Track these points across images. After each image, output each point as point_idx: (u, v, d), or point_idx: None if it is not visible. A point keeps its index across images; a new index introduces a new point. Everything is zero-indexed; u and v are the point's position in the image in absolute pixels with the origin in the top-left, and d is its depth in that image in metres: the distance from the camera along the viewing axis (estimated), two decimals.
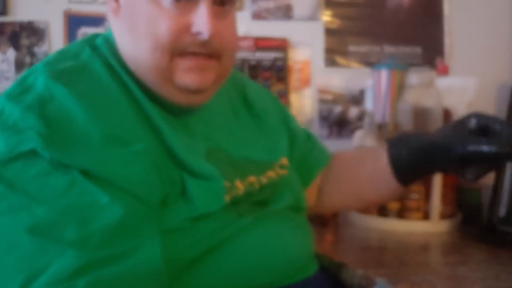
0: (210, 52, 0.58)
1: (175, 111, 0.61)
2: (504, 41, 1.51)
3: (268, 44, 1.39)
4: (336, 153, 0.85)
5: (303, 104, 1.43)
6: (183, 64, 0.57)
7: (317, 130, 1.43)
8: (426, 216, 1.09)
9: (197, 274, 0.54)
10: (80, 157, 0.50)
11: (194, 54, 0.57)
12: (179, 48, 0.56)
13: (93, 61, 0.59)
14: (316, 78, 1.44)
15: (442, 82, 1.11)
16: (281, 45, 1.40)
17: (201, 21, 0.55)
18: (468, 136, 0.61)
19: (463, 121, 0.64)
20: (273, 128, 0.74)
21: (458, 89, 1.15)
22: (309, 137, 0.84)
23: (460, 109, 1.14)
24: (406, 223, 1.09)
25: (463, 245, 0.99)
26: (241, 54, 1.38)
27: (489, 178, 1.09)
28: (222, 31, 0.58)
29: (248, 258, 0.58)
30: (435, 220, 1.08)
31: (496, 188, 1.01)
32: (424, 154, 0.66)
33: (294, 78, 1.41)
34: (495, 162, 0.62)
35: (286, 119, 0.80)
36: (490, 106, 1.44)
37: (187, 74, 0.57)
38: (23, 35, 1.34)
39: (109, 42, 0.62)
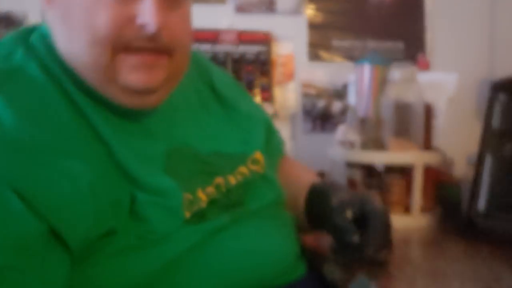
0: (158, 47, 0.50)
1: (130, 114, 0.54)
2: (485, 38, 1.53)
3: (252, 38, 1.38)
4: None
5: (287, 98, 1.42)
6: (127, 61, 0.49)
7: (301, 124, 1.43)
8: (407, 210, 1.10)
9: (169, 284, 0.50)
10: (3, 168, 0.43)
11: (140, 49, 0.50)
12: (122, 43, 0.49)
13: (27, 63, 0.51)
14: (299, 72, 1.44)
15: (424, 77, 1.12)
16: (265, 39, 1.39)
17: (147, 11, 0.48)
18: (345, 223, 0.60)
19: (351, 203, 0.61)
20: (247, 117, 0.67)
21: (439, 84, 1.16)
22: (273, 127, 0.78)
23: (441, 104, 1.15)
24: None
25: (443, 240, 1.01)
26: (224, 48, 1.37)
27: (469, 173, 1.11)
28: (172, 24, 0.51)
29: (224, 265, 0.53)
30: (415, 214, 1.09)
31: (475, 183, 1.02)
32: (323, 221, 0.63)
33: (277, 72, 1.41)
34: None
35: (257, 107, 0.75)
36: (470, 102, 1.46)
37: (132, 73, 0.50)
38: (1, 26, 1.31)
39: (45, 38, 0.53)
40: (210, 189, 0.56)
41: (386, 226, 0.60)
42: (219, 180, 0.57)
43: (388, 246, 0.60)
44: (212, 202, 0.55)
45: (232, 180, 0.58)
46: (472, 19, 1.53)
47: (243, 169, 0.61)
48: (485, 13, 1.53)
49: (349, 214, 0.60)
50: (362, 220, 0.59)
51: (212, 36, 1.37)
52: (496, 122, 1.03)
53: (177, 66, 0.54)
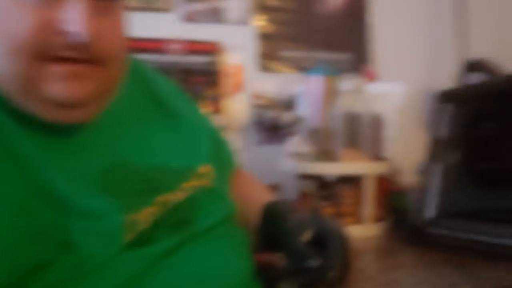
0: (88, 57, 0.45)
1: (59, 130, 0.48)
2: (428, 49, 1.58)
3: (200, 48, 1.34)
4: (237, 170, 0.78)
5: (236, 110, 1.39)
6: (51, 71, 0.44)
7: (250, 136, 1.41)
8: (358, 220, 1.10)
9: None
10: None
11: (66, 59, 0.44)
12: (44, 52, 0.43)
13: None
14: (249, 83, 1.41)
15: (372, 88, 1.13)
16: (213, 49, 1.35)
17: (75, 18, 0.43)
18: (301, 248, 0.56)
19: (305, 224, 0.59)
20: (193, 128, 0.63)
21: (387, 95, 1.18)
22: (222, 139, 0.74)
23: (389, 114, 1.16)
24: None
25: (395, 249, 1.01)
26: (171, 58, 1.32)
27: (418, 182, 1.13)
28: (103, 32, 0.46)
29: None
30: (367, 224, 1.09)
31: (424, 191, 1.04)
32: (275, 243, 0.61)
33: (226, 83, 1.38)
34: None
35: (204, 118, 0.70)
36: (417, 112, 1.49)
37: (57, 83, 0.44)
38: None
39: None
40: (153, 208, 0.51)
41: (345, 248, 0.58)
42: (162, 197, 0.52)
43: (347, 267, 0.57)
44: (156, 223, 0.50)
45: (177, 196, 0.54)
46: (415, 31, 1.58)
47: (188, 184, 0.56)
48: (426, 25, 1.59)
49: (306, 237, 0.57)
50: (319, 242, 0.56)
51: (158, 46, 1.32)
52: (443, 131, 1.05)
53: (110, 77, 0.50)
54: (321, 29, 1.48)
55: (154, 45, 1.31)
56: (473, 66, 1.40)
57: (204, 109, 1.33)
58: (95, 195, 0.47)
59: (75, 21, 0.43)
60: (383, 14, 1.54)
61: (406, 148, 1.27)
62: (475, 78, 1.38)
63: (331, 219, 0.61)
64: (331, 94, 1.11)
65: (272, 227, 0.62)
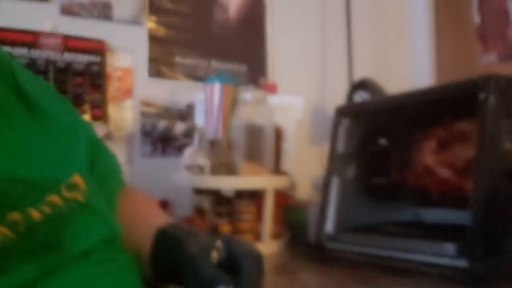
0: None
1: None
2: (322, 66, 1.63)
3: (81, 45, 1.19)
4: (126, 188, 0.68)
5: (123, 117, 1.26)
6: None
7: (139, 147, 1.28)
8: (257, 237, 1.05)
9: None
10: None
11: None
12: None
13: None
14: (138, 88, 1.29)
15: (272, 100, 1.10)
16: (97, 48, 1.21)
17: None
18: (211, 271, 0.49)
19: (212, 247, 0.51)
20: (66, 130, 0.53)
21: (287, 107, 1.16)
22: (105, 150, 0.63)
23: (289, 127, 1.15)
24: None
25: (294, 265, 0.98)
26: (45, 54, 1.14)
27: (315, 197, 1.13)
28: None
29: None
30: (266, 241, 1.04)
31: (323, 206, 1.03)
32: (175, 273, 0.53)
33: (113, 87, 1.24)
34: None
35: (79, 121, 0.59)
36: (317, 125, 1.52)
37: None
38: None
39: None
40: (3, 229, 0.40)
41: (261, 271, 0.50)
42: (14, 215, 0.41)
43: None
44: (9, 248, 0.40)
45: (36, 214, 0.43)
46: (309, 47, 1.62)
47: (53, 198, 0.45)
48: (319, 39, 1.64)
49: (214, 259, 0.49)
50: (230, 266, 0.49)
51: (30, 39, 1.13)
52: (340, 146, 1.05)
53: None
54: (217, 38, 1.42)
55: (25, 38, 1.12)
56: (358, 85, 1.46)
57: (83, 115, 1.17)
58: None
59: None
60: (280, 28, 1.55)
61: (303, 162, 1.26)
62: (360, 96, 1.45)
63: (242, 239, 0.53)
64: (231, 104, 1.05)
65: (169, 255, 0.54)
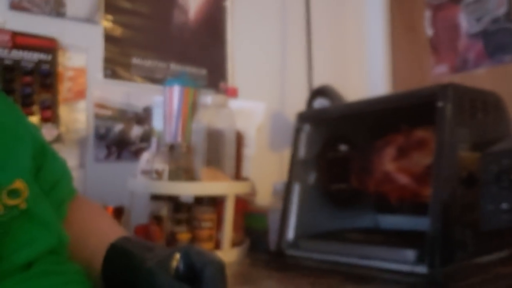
0: None
1: None
2: (282, 72, 1.63)
3: (31, 43, 1.12)
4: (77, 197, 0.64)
5: (76, 120, 1.19)
6: None
7: (92, 151, 1.21)
8: (217, 245, 1.02)
9: None
10: None
11: None
12: None
13: None
14: (92, 89, 1.23)
15: (233, 105, 1.08)
16: (49, 46, 1.14)
17: None
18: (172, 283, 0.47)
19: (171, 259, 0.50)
20: (6, 133, 0.50)
21: (247, 112, 1.15)
22: (54, 155, 0.60)
23: (250, 131, 1.13)
24: None
25: (255, 274, 0.96)
26: None
27: (274, 203, 1.11)
28: None
29: None
30: (226, 249, 1.02)
31: (284, 213, 1.02)
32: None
33: (64, 88, 1.17)
34: None
35: (24, 123, 0.56)
36: (277, 131, 1.51)
37: None
38: None
39: None
40: None
41: (223, 276, 0.49)
42: None
43: None
44: None
45: None
46: (267, 51, 1.62)
47: None
48: (279, 44, 1.64)
49: (173, 272, 0.48)
50: (191, 277, 0.47)
51: None
52: (301, 152, 1.05)
53: None
54: (176, 40, 1.39)
55: None
56: (318, 91, 1.47)
57: (32, 116, 1.10)
58: None
59: None
60: (241, 33, 1.54)
61: (263, 168, 1.25)
62: (319, 103, 1.46)
63: (201, 248, 0.52)
64: (191, 107, 1.03)
65: (124, 272, 0.51)
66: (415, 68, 1.77)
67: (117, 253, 0.53)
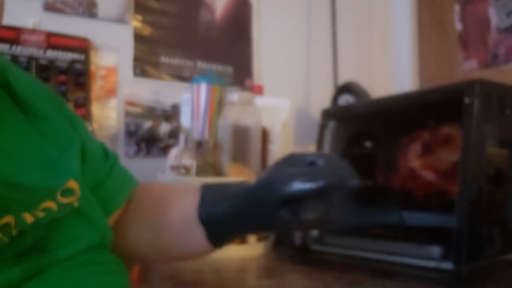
0: None
1: None
2: (311, 67, 1.64)
3: (65, 43, 1.16)
4: (145, 183, 0.66)
5: (107, 117, 1.23)
6: None
7: (123, 147, 1.26)
8: (243, 240, 1.04)
9: None
10: None
11: None
12: None
13: None
14: (123, 88, 1.27)
15: (259, 102, 1.10)
16: (82, 46, 1.18)
17: None
18: (291, 174, 0.50)
19: (284, 160, 0.54)
20: (60, 134, 0.51)
21: (273, 109, 1.17)
22: (106, 153, 0.61)
23: (275, 128, 1.14)
24: (223, 249, 1.02)
25: (281, 268, 0.97)
26: (28, 51, 1.11)
27: None
28: None
29: None
30: (252, 243, 1.04)
31: None
32: (242, 208, 0.53)
33: (97, 86, 1.22)
34: (326, 196, 0.51)
35: (75, 124, 0.56)
36: (302, 127, 1.52)
37: None
38: None
39: None
40: None
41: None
42: (7, 219, 0.40)
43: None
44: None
45: (30, 218, 0.42)
46: (293, 49, 1.63)
47: (49, 204, 0.44)
48: (305, 41, 1.65)
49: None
50: None
51: (12, 35, 1.10)
52: (326, 148, 1.06)
53: None
54: (203, 39, 1.42)
55: (7, 34, 1.09)
56: (343, 88, 1.48)
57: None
58: None
59: None
60: (266, 31, 1.55)
61: None
62: (344, 99, 1.46)
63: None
64: (218, 104, 1.05)
65: (232, 193, 0.54)
66: (443, 64, 1.75)
67: (210, 191, 0.56)
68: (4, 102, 0.47)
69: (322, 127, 1.06)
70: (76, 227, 0.46)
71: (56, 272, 0.42)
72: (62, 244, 0.44)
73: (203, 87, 1.06)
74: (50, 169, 0.46)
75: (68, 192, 0.46)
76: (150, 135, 1.29)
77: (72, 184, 0.47)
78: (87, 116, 1.17)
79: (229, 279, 0.86)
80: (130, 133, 1.27)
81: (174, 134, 1.31)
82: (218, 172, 1.02)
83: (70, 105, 1.15)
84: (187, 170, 1.02)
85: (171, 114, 1.32)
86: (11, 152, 0.44)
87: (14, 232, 0.40)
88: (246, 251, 1.03)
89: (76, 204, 0.47)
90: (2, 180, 0.41)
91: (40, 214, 0.43)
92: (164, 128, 1.31)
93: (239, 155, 1.02)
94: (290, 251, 1.06)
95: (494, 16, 1.56)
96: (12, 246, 0.40)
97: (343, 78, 1.56)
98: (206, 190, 0.57)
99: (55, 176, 0.46)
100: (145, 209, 0.61)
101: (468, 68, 1.64)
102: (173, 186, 0.67)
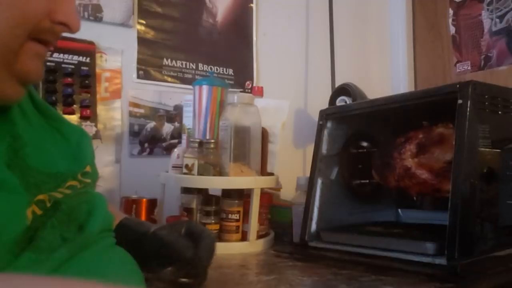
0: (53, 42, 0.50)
1: None
2: (309, 70, 1.67)
3: (71, 46, 1.19)
4: None
5: (112, 118, 1.27)
6: (33, 49, 0.47)
7: (127, 147, 1.29)
8: (243, 237, 1.07)
9: None
10: None
11: (44, 41, 0.48)
12: (35, 32, 0.46)
13: None
14: (127, 90, 1.30)
15: (259, 103, 1.13)
16: (87, 49, 1.22)
17: (71, 12, 0.48)
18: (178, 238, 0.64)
19: (178, 226, 0.68)
20: (75, 131, 0.61)
21: (273, 110, 1.20)
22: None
23: (275, 128, 1.18)
24: (224, 245, 1.05)
25: (280, 264, 1.00)
26: None
27: (298, 197, 1.16)
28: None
29: None
30: (252, 240, 1.07)
31: (308, 206, 1.06)
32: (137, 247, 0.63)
33: (102, 88, 1.25)
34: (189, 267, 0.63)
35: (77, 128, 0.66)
36: (301, 128, 1.55)
37: (30, 61, 0.47)
38: None
39: None
40: (32, 208, 0.47)
41: (214, 245, 0.66)
42: (41, 197, 0.49)
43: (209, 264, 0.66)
44: (36, 223, 0.46)
45: (58, 195, 0.51)
46: (291, 51, 1.66)
47: (72, 183, 0.54)
48: (302, 47, 1.68)
49: (179, 232, 0.65)
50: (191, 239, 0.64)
51: None
52: (324, 148, 1.09)
53: None
54: (205, 42, 1.45)
55: None
56: (340, 90, 1.51)
57: (72, 115, 1.18)
58: (3, 169, 0.45)
59: (72, 15, 0.49)
60: (266, 34, 1.58)
61: (287, 163, 1.29)
62: (342, 101, 1.49)
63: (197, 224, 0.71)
64: (219, 106, 1.08)
65: (131, 241, 0.63)
66: (437, 66, 1.79)
67: (124, 226, 0.66)
68: (29, 106, 0.56)
69: (320, 127, 1.09)
70: (97, 202, 0.56)
71: (92, 251, 0.50)
72: (93, 218, 0.53)
73: (205, 89, 1.09)
74: (71, 160, 0.55)
75: (86, 174, 0.57)
76: (153, 135, 1.33)
77: (88, 168, 0.57)
78: (93, 117, 1.20)
79: (230, 275, 0.89)
80: (134, 134, 1.30)
81: (176, 135, 1.34)
82: (219, 171, 1.05)
83: (76, 107, 1.18)
84: (189, 169, 1.05)
85: (174, 115, 1.35)
86: (37, 145, 0.52)
87: (48, 205, 0.48)
88: (246, 248, 1.06)
89: (91, 182, 0.57)
90: (33, 168, 0.49)
91: (67, 191, 0.52)
92: (167, 128, 1.35)
93: (240, 155, 1.05)
94: (289, 247, 1.09)
95: (487, 20, 1.59)
96: (50, 217, 0.48)
97: (340, 80, 1.59)
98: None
99: (75, 165, 0.55)
100: None
101: (462, 71, 1.68)
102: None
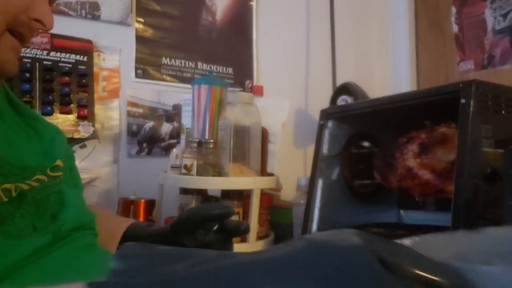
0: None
1: None
2: (310, 69, 1.65)
3: (68, 45, 1.18)
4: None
5: (110, 117, 1.25)
6: (10, 41, 0.51)
7: (125, 147, 1.27)
8: (243, 238, 1.06)
9: None
10: None
11: (20, 36, 0.52)
12: (13, 24, 0.51)
13: None
14: (125, 89, 1.29)
15: (258, 102, 1.12)
16: (85, 48, 1.20)
17: (45, 10, 0.53)
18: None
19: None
20: (49, 129, 0.64)
21: (273, 109, 1.18)
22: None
23: (275, 129, 1.16)
24: None
25: None
26: (32, 52, 1.13)
27: (299, 197, 1.14)
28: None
29: None
30: (252, 241, 1.05)
31: (308, 206, 1.05)
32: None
33: (99, 87, 1.23)
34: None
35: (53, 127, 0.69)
36: (301, 128, 1.54)
37: (10, 53, 0.52)
38: None
39: None
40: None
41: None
42: (7, 186, 0.51)
43: None
44: (2, 209, 0.49)
45: (25, 186, 0.53)
46: (292, 50, 1.65)
47: (40, 177, 0.56)
48: (303, 46, 1.67)
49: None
50: None
51: None
52: (325, 148, 1.08)
53: None
54: (204, 40, 1.43)
55: None
56: (342, 89, 1.49)
57: (70, 114, 1.17)
58: None
59: (46, 14, 0.53)
60: (266, 33, 1.57)
61: (287, 163, 1.28)
62: (343, 100, 1.48)
63: None
64: (218, 105, 1.06)
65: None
66: (440, 65, 1.77)
67: (137, 225, 0.69)
68: (6, 106, 0.58)
69: (321, 127, 1.08)
70: (70, 195, 0.58)
71: (65, 253, 0.52)
72: (63, 211, 0.55)
73: (204, 88, 1.08)
74: (42, 155, 0.58)
75: (56, 168, 0.59)
76: (151, 135, 1.31)
77: (59, 162, 0.60)
78: (90, 117, 1.19)
79: None
80: (132, 133, 1.28)
81: (175, 134, 1.33)
82: (218, 171, 1.04)
83: (73, 106, 1.17)
84: (188, 169, 1.03)
85: (173, 114, 1.33)
86: (8, 140, 0.55)
87: (14, 194, 0.51)
88: (246, 249, 1.05)
89: (62, 176, 0.59)
90: (2, 159, 0.52)
91: (34, 184, 0.54)
92: (166, 128, 1.33)
93: (239, 155, 1.04)
94: None
95: (490, 18, 1.58)
96: (16, 205, 0.50)
97: (341, 79, 1.58)
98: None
99: (45, 159, 0.58)
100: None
101: (465, 70, 1.66)
102: (110, 221, 0.77)
